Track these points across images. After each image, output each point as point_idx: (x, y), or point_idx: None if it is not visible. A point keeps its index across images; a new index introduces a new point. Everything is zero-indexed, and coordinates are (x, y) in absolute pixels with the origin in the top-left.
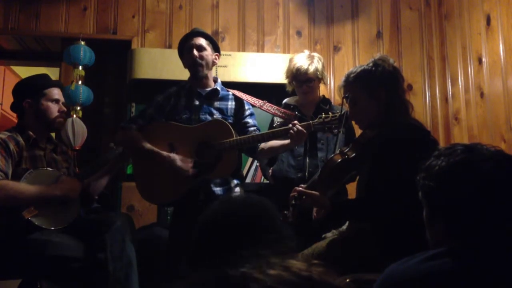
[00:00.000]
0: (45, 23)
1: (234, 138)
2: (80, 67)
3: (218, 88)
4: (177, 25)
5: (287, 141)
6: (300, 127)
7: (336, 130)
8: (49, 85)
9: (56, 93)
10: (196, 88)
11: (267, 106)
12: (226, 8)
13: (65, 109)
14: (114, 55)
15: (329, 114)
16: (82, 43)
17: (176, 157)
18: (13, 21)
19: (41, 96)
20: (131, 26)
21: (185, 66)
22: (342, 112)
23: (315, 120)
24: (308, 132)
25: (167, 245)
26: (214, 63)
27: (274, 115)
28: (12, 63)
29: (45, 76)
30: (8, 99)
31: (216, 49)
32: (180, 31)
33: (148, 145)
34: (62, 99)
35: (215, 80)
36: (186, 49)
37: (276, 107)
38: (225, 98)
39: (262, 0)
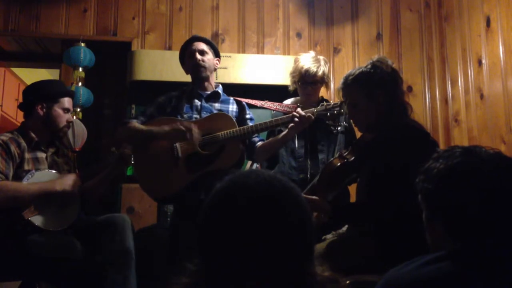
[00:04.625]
0: (45, 24)
1: (237, 128)
2: (80, 69)
3: (220, 91)
4: (177, 27)
5: (284, 132)
6: (303, 112)
7: (335, 128)
8: (64, 94)
9: (69, 102)
10: (198, 90)
11: (269, 103)
12: (226, 10)
13: (72, 119)
14: (114, 57)
15: (330, 102)
16: (82, 44)
17: (184, 122)
18: (13, 22)
19: (55, 103)
20: (131, 27)
21: (187, 72)
22: (341, 107)
23: (318, 107)
24: (310, 119)
25: (167, 246)
26: (215, 68)
27: (276, 110)
28: (12, 64)
29: (61, 84)
30: (8, 101)
31: (217, 54)
32: (180, 32)
33: (149, 127)
34: (72, 109)
35: (217, 86)
36: (188, 54)
37: (277, 103)
38: (226, 102)
39: (262, 2)
